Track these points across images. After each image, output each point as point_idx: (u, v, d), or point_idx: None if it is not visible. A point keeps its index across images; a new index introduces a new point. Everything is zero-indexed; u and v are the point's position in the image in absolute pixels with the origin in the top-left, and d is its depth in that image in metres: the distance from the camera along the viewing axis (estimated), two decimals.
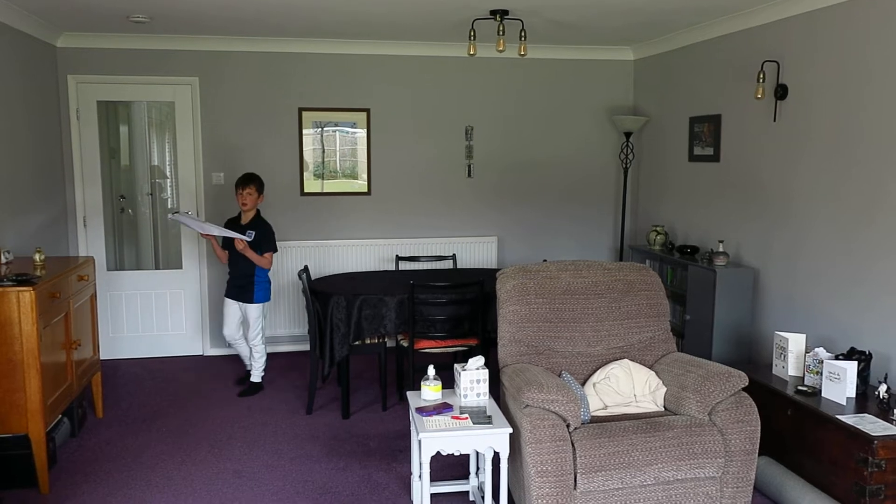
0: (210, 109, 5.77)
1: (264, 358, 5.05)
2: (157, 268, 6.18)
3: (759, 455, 3.67)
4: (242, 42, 5.70)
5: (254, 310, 4.93)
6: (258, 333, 4.96)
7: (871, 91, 3.76)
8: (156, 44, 5.59)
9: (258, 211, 4.92)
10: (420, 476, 3.08)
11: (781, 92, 4.40)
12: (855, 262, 3.90)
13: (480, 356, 3.37)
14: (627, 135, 6.15)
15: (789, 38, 4.35)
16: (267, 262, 4.87)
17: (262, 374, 5.07)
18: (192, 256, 5.88)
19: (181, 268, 5.89)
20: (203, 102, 5.75)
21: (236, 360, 5.76)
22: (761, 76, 4.41)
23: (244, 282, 4.88)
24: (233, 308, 4.95)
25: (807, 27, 4.21)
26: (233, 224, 4.90)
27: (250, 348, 5.03)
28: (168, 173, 6.05)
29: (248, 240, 4.74)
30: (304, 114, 5.90)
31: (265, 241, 4.85)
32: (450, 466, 3.86)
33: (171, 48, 5.64)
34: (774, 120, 4.50)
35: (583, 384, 3.50)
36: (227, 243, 4.87)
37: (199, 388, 5.14)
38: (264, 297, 4.95)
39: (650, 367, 3.58)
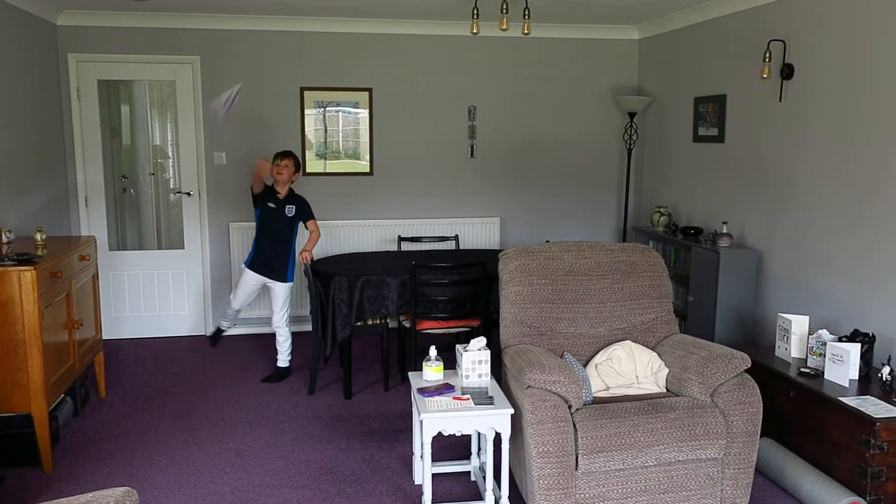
0: (211, 89, 5.73)
1: (290, 341, 4.93)
2: (159, 248, 6.18)
3: (761, 437, 3.67)
4: (244, 20, 5.64)
5: (286, 290, 4.82)
6: (284, 315, 4.85)
7: (875, 71, 3.71)
8: (156, 22, 5.54)
9: (292, 189, 4.83)
10: (422, 456, 3.08)
11: (787, 72, 4.35)
12: (859, 243, 3.87)
13: (482, 337, 3.37)
14: (631, 115, 6.10)
15: (796, 16, 4.29)
16: (318, 231, 4.83)
17: (289, 357, 4.96)
18: (194, 236, 5.87)
19: (183, 248, 5.88)
20: (204, 81, 5.71)
21: (240, 340, 5.77)
22: (767, 56, 4.36)
23: (281, 259, 4.78)
24: (253, 283, 4.81)
25: (813, 5, 4.14)
26: (271, 195, 4.76)
27: (275, 332, 4.91)
28: (170, 153, 6.02)
29: (290, 215, 4.78)
30: (306, 93, 5.86)
31: (306, 210, 4.79)
32: (451, 447, 3.86)
33: (172, 27, 5.59)
34: (780, 100, 4.45)
35: (585, 365, 3.50)
36: (268, 220, 4.75)
37: (202, 368, 5.16)
38: (293, 277, 4.89)
39: (653, 349, 3.57)
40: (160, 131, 6.09)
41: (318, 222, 5.81)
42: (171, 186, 6.07)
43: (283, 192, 4.77)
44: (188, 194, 5.82)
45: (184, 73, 5.69)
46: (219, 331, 5.15)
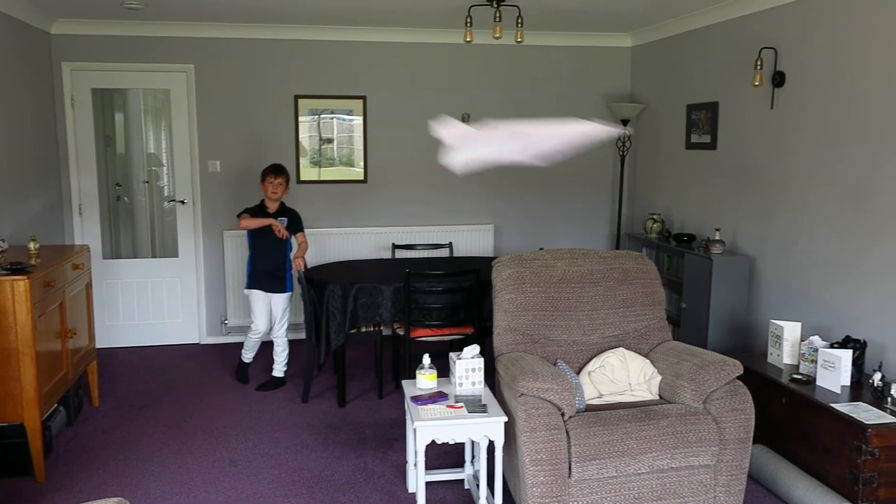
0: (205, 97, 5.74)
1: (287, 351, 4.95)
2: (153, 256, 6.17)
3: (754, 443, 3.68)
4: (238, 29, 5.66)
5: (285, 300, 4.87)
6: (284, 325, 4.90)
7: (865, 78, 3.74)
8: (150, 30, 5.55)
9: (282, 201, 4.87)
10: (415, 464, 3.08)
11: (779, 79, 4.38)
12: (849, 249, 3.89)
13: (476, 345, 3.38)
14: (625, 122, 6.13)
15: (787, 24, 4.32)
16: (306, 242, 4.92)
17: (286, 367, 4.97)
18: (188, 244, 5.87)
19: (177, 256, 5.88)
20: (198, 90, 5.72)
21: (233, 348, 5.75)
22: (759, 63, 4.39)
23: (280, 271, 4.83)
24: (264, 300, 4.84)
25: (804, 13, 4.18)
26: (260, 213, 4.77)
27: (273, 341, 4.94)
28: (164, 161, 6.02)
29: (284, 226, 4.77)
30: (301, 101, 5.87)
31: (298, 222, 4.88)
32: (446, 454, 3.86)
33: (166, 35, 5.60)
34: (772, 107, 4.48)
35: (578, 373, 3.50)
36: (262, 237, 4.74)
37: (196, 377, 5.15)
38: (293, 287, 4.93)
39: (645, 356, 3.58)
40: (154, 139, 6.10)
41: (312, 230, 5.84)
42: (166, 194, 6.07)
43: (273, 208, 4.80)
44: (182, 202, 5.82)
45: (178, 82, 5.70)
46: (244, 365, 5.09)
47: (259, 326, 4.88)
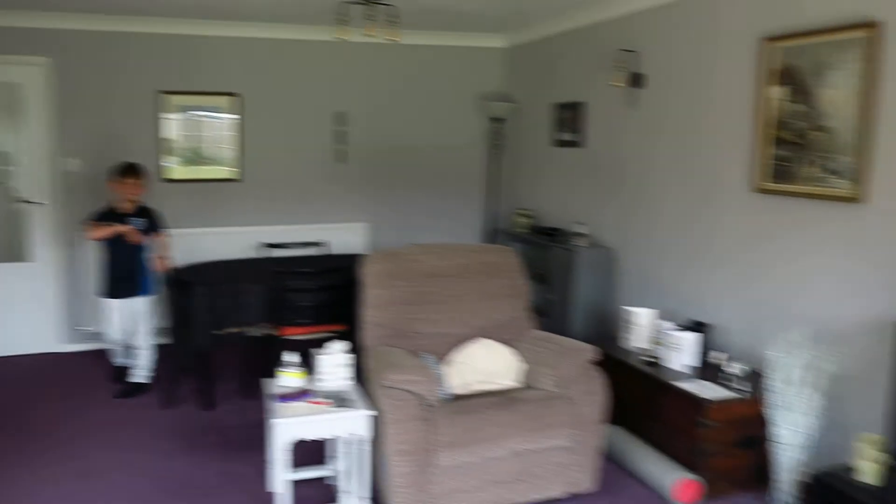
0: (64, 92, 5.41)
1: (151, 355, 4.74)
2: (4, 261, 5.72)
3: (613, 424, 3.85)
4: (99, 21, 5.37)
5: (146, 303, 4.66)
6: (149, 330, 4.69)
7: (713, 82, 4.02)
8: (1, 20, 5.18)
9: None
10: (275, 463, 3.03)
11: (639, 81, 4.60)
12: (698, 241, 4.15)
13: (343, 341, 3.36)
14: (498, 121, 6.28)
15: (648, 29, 4.55)
16: (168, 243, 4.73)
17: (149, 373, 4.75)
18: (44, 248, 5.51)
19: (30, 260, 5.51)
20: (56, 84, 5.39)
21: (91, 356, 5.42)
22: (619, 65, 4.61)
23: (138, 275, 4.61)
24: (119, 307, 4.62)
25: (663, 19, 4.41)
26: (111, 217, 4.55)
27: (135, 347, 4.72)
28: (16, 160, 5.63)
29: (142, 228, 4.56)
30: (169, 97, 5.65)
31: (159, 223, 4.71)
32: (315, 451, 3.81)
33: (18, 25, 5.23)
34: (633, 108, 4.71)
35: (445, 364, 3.56)
36: (116, 241, 4.52)
37: (50, 387, 4.83)
38: (156, 289, 4.71)
39: (510, 345, 3.68)
40: (5, 137, 5.68)
41: (182, 230, 5.60)
42: (17, 195, 5.67)
43: (128, 208, 4.60)
44: (35, 203, 5.46)
45: (32, 76, 5.35)
46: (119, 370, 4.83)
47: (113, 336, 4.68)
